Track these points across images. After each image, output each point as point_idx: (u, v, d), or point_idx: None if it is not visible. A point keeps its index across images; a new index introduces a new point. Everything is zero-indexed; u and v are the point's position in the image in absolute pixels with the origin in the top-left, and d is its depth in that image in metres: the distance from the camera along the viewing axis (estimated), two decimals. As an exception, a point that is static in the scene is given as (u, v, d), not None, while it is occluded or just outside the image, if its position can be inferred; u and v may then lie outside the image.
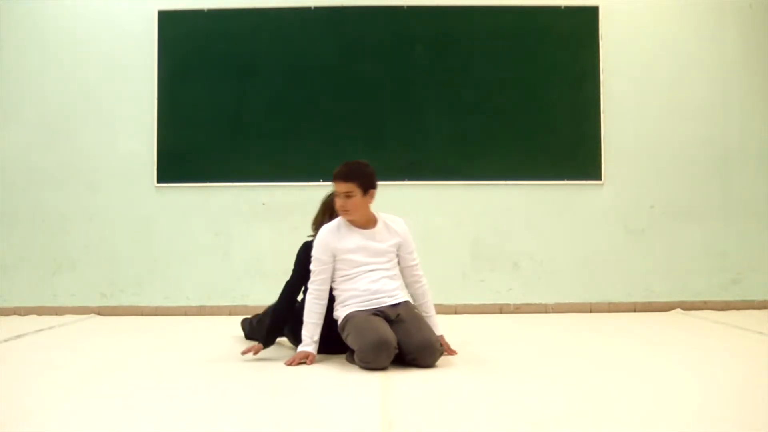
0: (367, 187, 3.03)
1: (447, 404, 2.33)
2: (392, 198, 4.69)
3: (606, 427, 2.03)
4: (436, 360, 2.94)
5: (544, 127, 4.98)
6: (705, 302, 4.96)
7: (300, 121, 4.97)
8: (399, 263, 3.18)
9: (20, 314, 4.92)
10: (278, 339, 3.24)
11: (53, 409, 2.29)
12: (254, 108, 4.99)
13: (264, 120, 4.99)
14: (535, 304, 4.95)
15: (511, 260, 4.99)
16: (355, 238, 3.06)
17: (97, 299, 4.98)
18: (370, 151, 4.89)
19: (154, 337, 4.05)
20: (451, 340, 3.19)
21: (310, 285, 3.08)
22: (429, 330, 3.00)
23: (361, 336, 2.87)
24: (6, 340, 3.79)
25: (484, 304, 4.94)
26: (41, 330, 4.22)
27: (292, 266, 3.24)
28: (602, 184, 5.00)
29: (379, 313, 3.00)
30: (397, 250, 3.15)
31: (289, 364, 2.96)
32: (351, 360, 2.98)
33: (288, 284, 3.21)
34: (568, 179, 4.99)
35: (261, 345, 3.10)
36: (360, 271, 3.05)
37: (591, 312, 4.92)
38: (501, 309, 4.95)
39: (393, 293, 3.08)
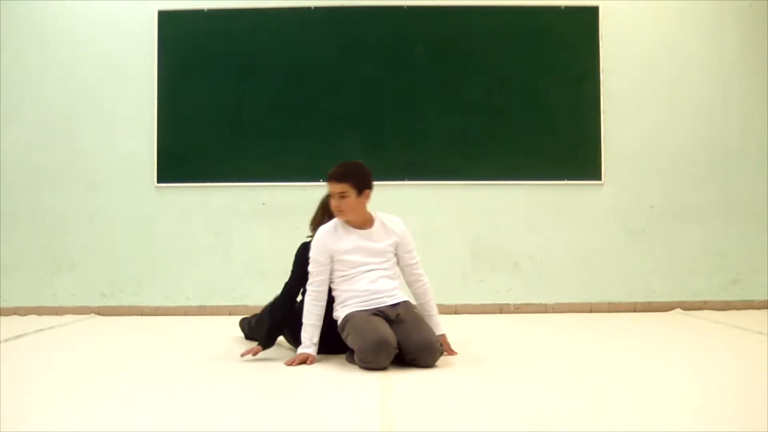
0: (362, 187, 3.03)
1: (447, 404, 2.32)
2: (392, 198, 4.70)
3: (606, 427, 2.03)
4: (436, 360, 2.94)
5: (544, 127, 4.98)
6: (705, 302, 4.96)
7: (300, 121, 4.97)
8: (399, 262, 3.18)
9: (20, 314, 4.93)
10: (277, 339, 3.23)
11: (53, 409, 2.29)
12: (254, 108, 4.99)
13: (264, 120, 4.99)
14: (535, 304, 4.95)
15: (511, 260, 4.99)
16: (352, 238, 3.06)
17: (97, 299, 4.98)
18: (370, 151, 4.90)
19: (154, 337, 4.05)
20: (451, 340, 3.19)
21: (308, 287, 3.08)
22: (429, 330, 3.00)
23: (361, 336, 2.87)
24: (6, 340, 3.79)
25: (484, 304, 4.94)
26: (41, 330, 4.22)
27: (291, 267, 3.24)
28: (602, 184, 5.00)
29: (378, 313, 3.00)
30: (396, 250, 3.15)
31: (290, 364, 2.96)
32: (351, 360, 2.98)
33: (287, 285, 3.21)
34: (568, 179, 4.99)
35: (260, 347, 3.09)
36: (358, 272, 3.05)
37: (591, 312, 4.92)
38: (501, 309, 4.95)
39: (392, 293, 3.08)
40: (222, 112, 5.00)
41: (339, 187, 3.01)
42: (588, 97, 4.98)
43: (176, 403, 2.38)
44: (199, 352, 3.40)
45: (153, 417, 2.18)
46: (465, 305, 4.89)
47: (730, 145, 5.03)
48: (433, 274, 3.23)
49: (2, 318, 4.80)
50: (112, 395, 2.49)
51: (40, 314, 4.91)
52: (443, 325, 3.19)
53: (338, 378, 2.74)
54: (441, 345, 3.00)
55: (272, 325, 3.15)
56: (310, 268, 3.07)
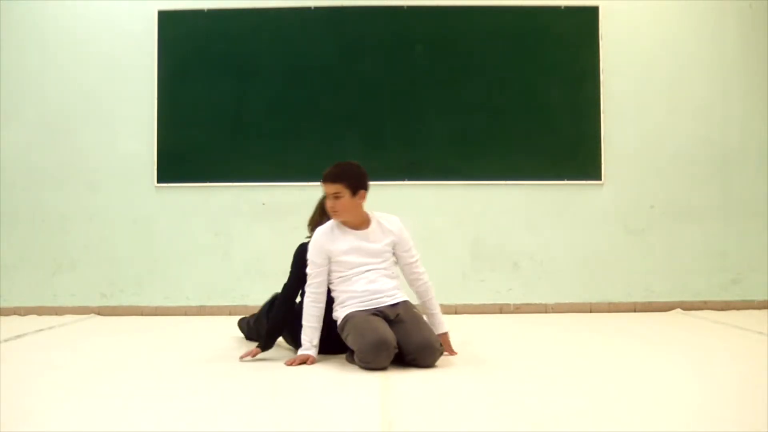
0: (357, 187, 3.02)
1: (447, 404, 2.32)
2: (392, 198, 4.71)
3: (606, 427, 2.02)
4: (435, 360, 2.93)
5: (544, 127, 4.98)
6: (705, 302, 4.96)
7: (300, 121, 4.97)
8: (398, 262, 3.18)
9: (20, 314, 4.92)
10: (277, 340, 3.23)
11: (53, 409, 2.29)
12: (254, 108, 4.99)
13: (264, 120, 4.99)
14: (535, 304, 4.95)
15: (511, 260, 4.99)
16: (349, 239, 3.06)
17: (97, 299, 4.98)
18: (370, 151, 4.90)
19: (154, 337, 4.05)
20: (451, 339, 3.18)
21: (307, 288, 3.07)
22: (429, 330, 3.00)
23: (361, 336, 2.87)
24: (6, 340, 3.79)
25: (484, 304, 4.94)
26: (41, 330, 4.22)
27: (290, 267, 3.23)
28: (602, 184, 5.00)
29: (378, 313, 3.00)
30: (394, 249, 3.14)
31: (290, 364, 2.96)
32: (351, 360, 2.98)
33: (285, 287, 3.21)
34: (568, 179, 4.99)
35: (259, 349, 3.09)
36: (356, 272, 3.04)
37: (591, 312, 4.92)
38: (501, 309, 4.95)
39: (391, 293, 3.08)
40: (222, 112, 5.00)
41: (333, 188, 3.01)
42: (588, 97, 4.98)
43: (176, 403, 2.38)
44: (199, 352, 3.39)
45: (153, 417, 2.18)
46: (465, 305, 4.89)
47: (730, 145, 5.03)
48: (433, 274, 3.23)
49: (2, 318, 4.80)
50: (112, 395, 2.49)
51: (40, 314, 4.91)
52: (446, 324, 3.18)
53: (338, 378, 2.74)
54: (441, 345, 3.00)
55: (271, 326, 3.15)
56: (308, 270, 3.06)
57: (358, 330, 2.91)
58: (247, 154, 4.99)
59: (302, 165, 4.92)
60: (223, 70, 5.00)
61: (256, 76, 4.99)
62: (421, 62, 4.99)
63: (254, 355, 3.06)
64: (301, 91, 4.98)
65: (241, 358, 3.08)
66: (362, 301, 3.03)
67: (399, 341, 2.89)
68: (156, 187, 5.00)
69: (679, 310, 4.88)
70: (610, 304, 4.95)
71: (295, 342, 3.14)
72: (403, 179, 4.95)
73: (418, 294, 3.19)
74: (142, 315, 4.93)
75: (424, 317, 3.13)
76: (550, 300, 4.96)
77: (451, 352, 3.13)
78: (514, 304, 4.96)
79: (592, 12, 4.98)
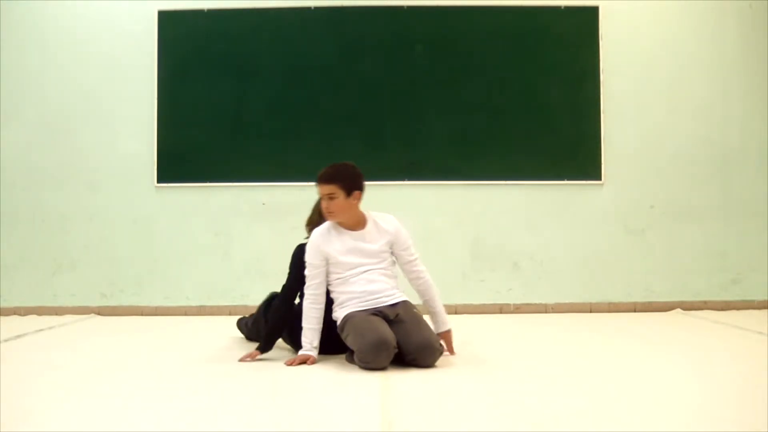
0: (351, 188, 3.01)
1: (447, 404, 2.32)
2: (392, 198, 4.71)
3: (606, 427, 2.02)
4: (435, 360, 2.93)
5: (544, 127, 4.98)
6: (705, 302, 4.96)
7: (300, 121, 4.97)
8: (398, 261, 3.17)
9: (20, 314, 4.92)
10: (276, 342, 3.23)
11: (53, 409, 2.29)
12: (254, 108, 4.99)
13: (264, 120, 4.99)
14: (535, 304, 4.95)
15: (511, 260, 4.99)
16: (345, 240, 3.05)
17: (97, 299, 4.98)
18: (370, 151, 4.91)
19: (154, 337, 4.05)
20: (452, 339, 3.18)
21: (306, 290, 3.07)
22: (428, 330, 3.00)
23: (361, 336, 2.87)
24: (6, 340, 3.79)
25: (484, 304, 4.94)
26: (41, 330, 4.22)
27: (288, 269, 3.23)
28: (602, 184, 5.00)
29: (377, 313, 3.00)
30: (392, 248, 3.13)
31: (290, 364, 2.96)
32: (351, 360, 2.98)
33: (284, 289, 3.20)
34: (568, 179, 4.99)
35: (258, 351, 3.08)
36: (354, 273, 3.04)
37: (591, 312, 4.92)
38: (501, 309, 4.95)
39: (390, 293, 3.07)
40: (222, 112, 5.00)
41: (327, 189, 3.00)
42: (588, 97, 4.98)
43: (176, 403, 2.38)
44: (199, 352, 3.39)
45: (153, 417, 2.18)
46: (465, 305, 4.89)
47: (730, 145, 5.02)
48: (433, 274, 3.23)
49: (2, 318, 4.80)
50: (112, 395, 2.49)
51: (40, 314, 4.91)
52: (450, 322, 3.17)
53: (338, 378, 2.74)
54: (441, 345, 3.00)
55: (270, 329, 3.15)
56: (306, 272, 3.06)
57: (357, 330, 2.91)
58: (247, 154, 4.99)
59: (302, 165, 4.91)
60: (223, 70, 5.00)
61: (256, 76, 4.99)
62: (421, 62, 4.99)
63: (254, 358, 3.06)
64: (301, 91, 4.98)
65: (241, 360, 3.07)
66: (362, 301, 3.02)
67: (399, 341, 2.89)
68: (156, 187, 5.00)
69: (679, 310, 4.88)
70: (610, 304, 4.95)
71: (295, 344, 3.13)
72: (403, 179, 4.95)
73: (420, 292, 3.18)
74: (142, 315, 4.93)
75: (428, 314, 3.12)
76: (550, 300, 4.96)
77: (451, 351, 3.12)
78: (514, 304, 4.96)
79: (592, 12, 4.98)
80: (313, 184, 3.07)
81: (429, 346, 2.91)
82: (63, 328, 4.33)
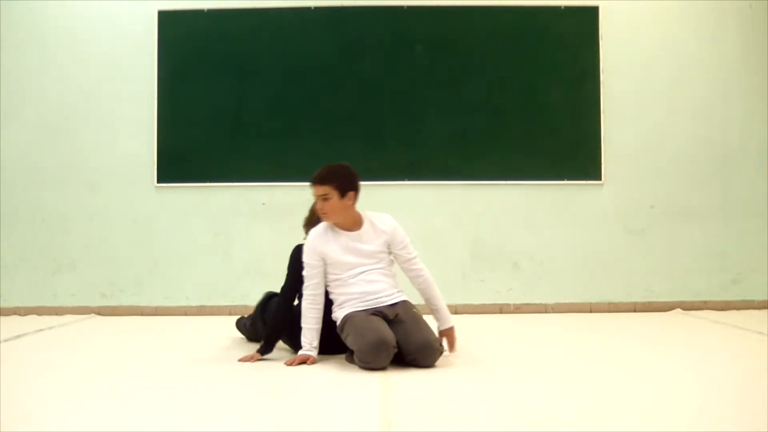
0: (345, 189, 3.00)
1: (447, 404, 2.32)
2: (392, 198, 4.71)
3: (606, 427, 2.02)
4: (435, 360, 2.93)
5: (544, 127, 4.98)
6: (705, 302, 4.96)
7: (300, 121, 4.97)
8: (396, 260, 3.16)
9: (20, 314, 4.93)
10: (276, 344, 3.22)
11: (53, 409, 2.29)
12: (254, 108, 4.99)
13: (264, 120, 4.99)
14: (535, 304, 4.95)
15: (511, 260, 4.99)
16: (342, 240, 3.05)
17: (97, 299, 4.98)
18: (370, 151, 4.90)
19: (154, 337, 4.05)
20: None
21: (304, 290, 3.06)
22: (428, 330, 3.00)
23: (361, 336, 2.87)
24: (6, 340, 3.79)
25: (484, 304, 4.94)
26: (41, 330, 4.22)
27: (287, 269, 3.22)
28: (602, 184, 5.00)
29: (377, 313, 2.99)
30: (390, 248, 3.12)
31: (290, 364, 2.96)
32: (351, 360, 2.98)
33: (283, 290, 3.20)
34: (568, 179, 4.99)
35: (259, 354, 3.08)
36: (352, 274, 3.04)
37: (591, 312, 4.92)
38: (501, 309, 4.95)
39: (389, 293, 3.07)
40: (222, 112, 5.00)
41: (321, 190, 3.00)
42: (588, 97, 4.98)
43: (176, 403, 2.38)
44: (199, 352, 3.39)
45: (153, 417, 2.18)
46: (465, 305, 4.89)
47: (730, 145, 5.03)
48: (434, 274, 3.22)
49: (2, 318, 4.80)
50: (112, 395, 2.49)
51: (40, 314, 4.91)
52: (452, 319, 3.16)
53: (338, 378, 2.74)
54: (441, 345, 3.00)
55: (270, 331, 3.15)
56: (304, 273, 3.06)
57: (357, 330, 2.91)
58: (247, 154, 4.99)
59: (302, 165, 4.89)
60: (223, 70, 5.00)
61: (256, 76, 4.99)
62: (421, 62, 4.99)
63: (254, 360, 3.06)
64: (301, 91, 4.98)
65: (241, 360, 3.07)
66: (361, 301, 3.02)
67: (399, 341, 2.89)
68: (156, 187, 5.00)
69: (679, 310, 4.88)
70: (610, 304, 4.95)
71: (295, 345, 3.13)
72: (403, 179, 4.95)
73: (421, 290, 3.17)
74: (142, 315, 4.93)
75: (429, 313, 3.12)
76: (550, 300, 4.96)
77: (452, 348, 3.11)
78: (514, 304, 4.96)
79: (592, 12, 4.99)
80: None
81: (429, 346, 2.91)
82: (63, 328, 4.33)
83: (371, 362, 2.83)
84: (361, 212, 3.11)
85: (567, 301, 4.95)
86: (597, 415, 2.17)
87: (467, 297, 4.93)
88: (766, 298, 4.95)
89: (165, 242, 5.00)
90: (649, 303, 4.95)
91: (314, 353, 3.01)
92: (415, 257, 3.15)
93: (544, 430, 2.01)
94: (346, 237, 3.06)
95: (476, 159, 4.98)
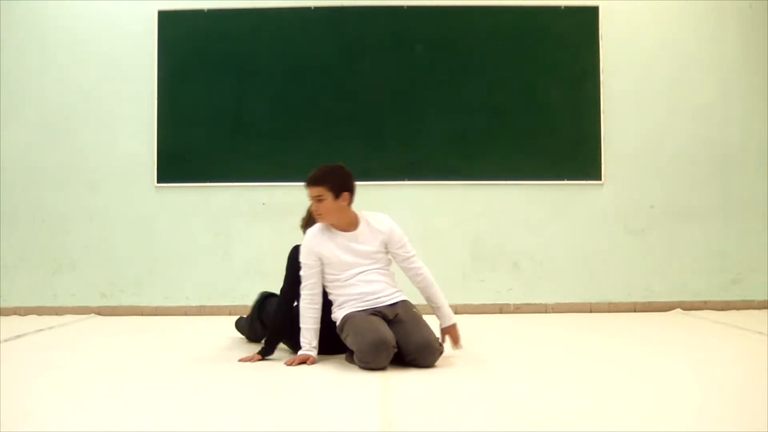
0: (339, 190, 3.00)
1: (447, 404, 2.33)
2: (392, 198, 4.71)
3: (606, 427, 2.02)
4: (435, 360, 2.93)
5: (544, 127, 4.98)
6: (705, 302, 4.96)
7: (300, 121, 4.97)
8: (395, 259, 3.16)
9: (20, 314, 4.93)
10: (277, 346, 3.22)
11: (53, 409, 2.29)
12: (254, 108, 4.99)
13: (264, 120, 4.99)
14: (535, 304, 4.95)
15: (511, 260, 4.99)
16: (338, 241, 3.05)
17: (97, 299, 4.98)
18: (370, 151, 4.90)
19: (154, 337, 4.05)
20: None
21: (302, 291, 3.06)
22: (428, 330, 2.99)
23: (360, 336, 2.87)
24: (6, 340, 3.79)
25: (484, 304, 4.94)
26: (41, 330, 4.22)
27: (285, 270, 3.22)
28: (602, 184, 5.00)
29: (377, 313, 2.99)
30: (387, 248, 3.12)
31: (289, 364, 2.96)
32: (350, 360, 2.98)
33: (282, 291, 3.20)
34: (568, 179, 4.99)
35: (259, 356, 3.08)
36: (350, 275, 3.04)
37: (591, 312, 4.92)
38: (501, 309, 4.95)
39: (389, 293, 3.07)
40: (222, 112, 5.00)
41: (315, 191, 3.00)
42: (588, 97, 4.98)
43: (176, 403, 2.38)
44: (199, 352, 3.39)
45: (153, 417, 2.18)
46: (465, 305, 4.89)
47: (730, 145, 5.03)
48: (434, 274, 3.21)
49: (2, 318, 4.80)
50: (112, 395, 2.49)
51: (40, 314, 4.91)
52: (454, 316, 3.15)
53: (338, 378, 2.74)
54: (441, 345, 3.00)
55: (271, 332, 3.15)
56: (301, 273, 3.06)
57: (357, 330, 2.91)
58: (247, 154, 4.99)
59: (302, 165, 4.79)
60: (223, 70, 5.00)
61: (256, 76, 4.99)
62: (421, 62, 4.99)
63: (254, 361, 3.06)
64: (301, 91, 4.98)
65: (241, 361, 3.07)
66: (360, 301, 3.02)
67: (398, 341, 2.89)
68: (156, 187, 5.00)
69: (679, 310, 4.88)
70: (610, 304, 4.95)
71: (295, 346, 3.13)
72: (403, 179, 4.95)
73: (421, 289, 3.16)
74: (142, 315, 4.93)
75: (429, 313, 3.12)
76: (550, 300, 4.96)
77: (456, 344, 3.09)
78: (514, 304, 4.96)
79: (592, 12, 4.99)
80: (313, 184, 3.06)
81: (429, 346, 2.91)
82: (63, 328, 4.33)
83: (371, 362, 2.83)
84: (357, 212, 3.11)
85: (567, 301, 4.95)
86: (597, 415, 2.17)
87: (467, 297, 4.93)
88: (766, 298, 4.95)
89: (165, 242, 5.00)
90: (649, 303, 4.95)
91: (314, 353, 3.01)
92: (413, 256, 3.14)
93: (544, 430, 2.01)
94: (342, 237, 3.05)
95: (476, 159, 4.98)
